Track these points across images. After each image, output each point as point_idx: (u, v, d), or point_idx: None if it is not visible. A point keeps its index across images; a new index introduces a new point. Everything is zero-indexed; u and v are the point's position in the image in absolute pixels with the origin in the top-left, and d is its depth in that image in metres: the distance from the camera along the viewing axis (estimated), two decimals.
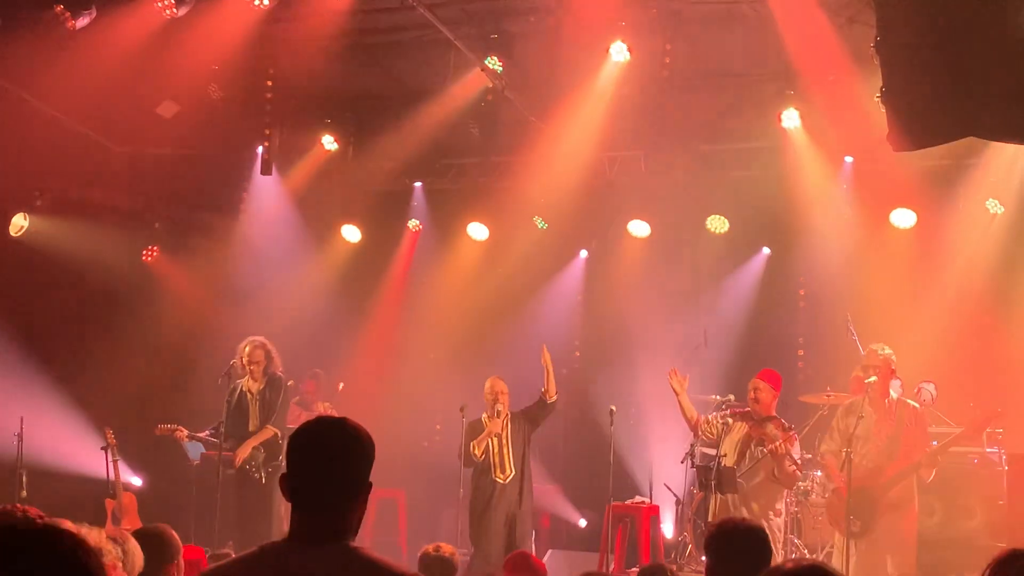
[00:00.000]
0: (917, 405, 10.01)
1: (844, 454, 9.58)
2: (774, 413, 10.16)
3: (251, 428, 11.19)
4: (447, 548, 6.57)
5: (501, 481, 10.92)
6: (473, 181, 14.34)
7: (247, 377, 11.33)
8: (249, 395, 11.27)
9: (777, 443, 9.72)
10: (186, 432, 11.39)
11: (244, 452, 11.04)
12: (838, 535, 9.90)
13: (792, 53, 11.47)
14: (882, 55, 6.83)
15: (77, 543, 2.30)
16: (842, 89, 11.47)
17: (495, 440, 10.97)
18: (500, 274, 14.33)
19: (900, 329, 11.57)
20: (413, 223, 14.88)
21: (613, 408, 10.90)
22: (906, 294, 12.48)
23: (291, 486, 3.31)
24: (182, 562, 5.66)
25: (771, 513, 10.02)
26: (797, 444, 10.14)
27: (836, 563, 9.47)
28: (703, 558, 4.98)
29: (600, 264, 14.50)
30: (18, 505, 5.01)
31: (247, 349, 11.29)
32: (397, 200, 14.80)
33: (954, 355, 11.96)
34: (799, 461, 10.05)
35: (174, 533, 5.69)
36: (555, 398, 11.05)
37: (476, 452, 10.95)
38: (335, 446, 3.32)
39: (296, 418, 12.03)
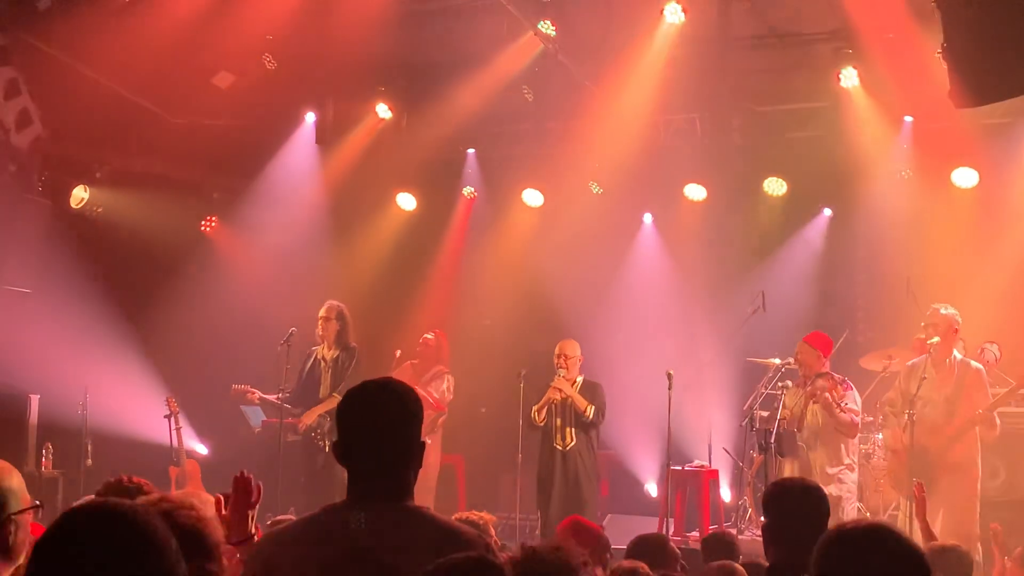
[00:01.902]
0: (980, 366, 9.85)
1: (906, 416, 9.52)
2: (824, 370, 10.13)
3: (321, 395, 11.30)
4: (477, 516, 6.51)
5: (560, 448, 10.93)
6: (527, 147, 14.29)
7: (323, 345, 11.43)
8: (323, 363, 11.40)
9: (822, 392, 9.73)
10: (258, 394, 11.51)
11: (309, 419, 11.15)
12: (903, 497, 9.85)
13: (850, 10, 11.30)
14: (943, 10, 6.72)
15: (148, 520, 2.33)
16: (901, 46, 11.29)
17: (556, 406, 10.97)
18: (556, 240, 14.30)
19: (963, 290, 11.42)
20: (468, 190, 14.88)
21: (671, 372, 10.86)
22: (968, 254, 12.30)
23: (344, 451, 3.37)
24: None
25: (844, 468, 10.00)
26: (855, 394, 10.09)
27: (901, 525, 9.42)
28: (763, 519, 4.95)
29: (657, 228, 14.43)
30: (126, 476, 5.07)
31: (323, 310, 11.40)
32: (452, 167, 14.80)
33: (1018, 315, 11.79)
34: (856, 409, 10.00)
35: None
36: (592, 416, 10.89)
37: (536, 417, 10.97)
38: (384, 409, 3.38)
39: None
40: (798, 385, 10.32)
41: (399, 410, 3.38)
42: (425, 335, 13.07)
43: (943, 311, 9.74)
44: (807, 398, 10.04)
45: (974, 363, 9.84)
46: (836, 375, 10.22)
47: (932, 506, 9.48)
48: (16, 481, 3.63)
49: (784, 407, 10.07)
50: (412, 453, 3.38)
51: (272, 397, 11.42)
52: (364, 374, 10.90)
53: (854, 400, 10.08)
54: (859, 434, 10.47)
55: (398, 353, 12.92)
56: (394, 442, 3.36)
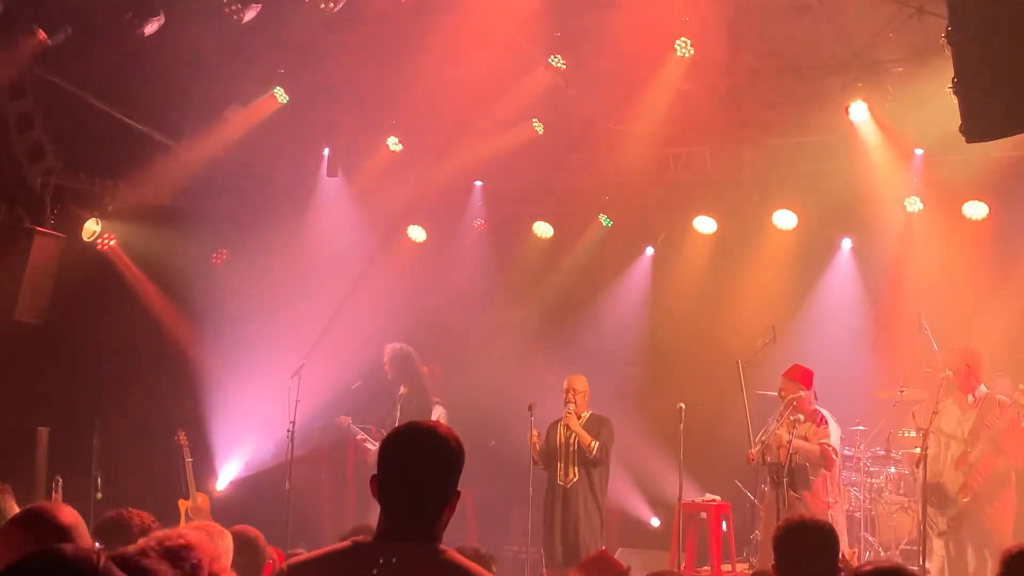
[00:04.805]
0: (1005, 399, 9.69)
1: (921, 451, 9.46)
2: (806, 406, 10.22)
3: None
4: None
5: (562, 484, 10.92)
6: (538, 179, 14.32)
7: None
8: (399, 399, 11.58)
9: (785, 444, 9.85)
10: (362, 434, 11.86)
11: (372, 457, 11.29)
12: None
13: (860, 44, 11.32)
14: (954, 45, 6.73)
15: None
16: (911, 80, 11.31)
17: (560, 443, 10.95)
18: (566, 272, 14.31)
19: (974, 322, 11.40)
20: (478, 222, 14.90)
21: (682, 405, 10.83)
22: (980, 287, 12.27)
23: (382, 487, 3.40)
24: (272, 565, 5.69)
25: (820, 502, 9.99)
26: (829, 428, 10.21)
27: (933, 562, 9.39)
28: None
29: (667, 261, 14.41)
30: (131, 509, 5.05)
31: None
32: (462, 200, 14.83)
33: None
34: (828, 443, 10.07)
35: (261, 535, 5.73)
36: (595, 453, 10.88)
37: (534, 444, 10.98)
38: (427, 452, 3.40)
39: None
40: (776, 419, 10.36)
41: (441, 455, 3.41)
42: (434, 366, 13.13)
43: (957, 347, 9.67)
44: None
45: (1002, 397, 9.70)
46: (820, 410, 10.25)
47: (961, 537, 9.41)
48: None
49: (762, 442, 10.27)
50: (447, 499, 3.41)
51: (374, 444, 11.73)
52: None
53: (827, 434, 10.12)
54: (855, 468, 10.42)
55: (357, 384, 12.89)
56: (431, 486, 3.39)
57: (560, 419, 11.06)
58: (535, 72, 12.34)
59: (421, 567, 3.32)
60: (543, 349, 13.88)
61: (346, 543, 3.44)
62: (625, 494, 13.32)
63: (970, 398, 9.67)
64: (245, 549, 5.40)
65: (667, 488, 12.25)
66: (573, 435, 10.90)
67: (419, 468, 3.37)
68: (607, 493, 11.25)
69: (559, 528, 10.88)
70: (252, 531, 5.70)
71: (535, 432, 10.99)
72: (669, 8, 11.14)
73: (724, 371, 11.94)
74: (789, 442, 9.81)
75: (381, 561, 3.31)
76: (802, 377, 10.35)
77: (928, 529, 9.76)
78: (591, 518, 10.92)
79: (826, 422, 10.23)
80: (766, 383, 11.80)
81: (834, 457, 10.17)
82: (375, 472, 3.42)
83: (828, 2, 10.71)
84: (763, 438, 10.25)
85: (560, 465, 10.96)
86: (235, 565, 5.14)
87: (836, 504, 10.28)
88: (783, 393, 10.32)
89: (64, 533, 3.74)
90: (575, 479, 10.91)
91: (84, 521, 3.91)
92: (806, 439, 10.01)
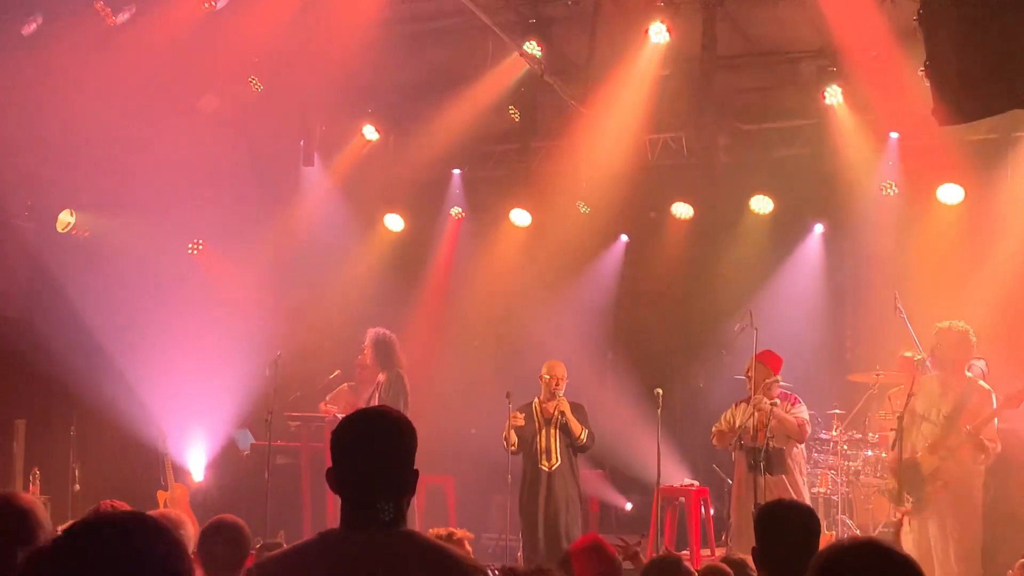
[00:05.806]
0: (988, 387, 9.69)
1: (894, 432, 9.49)
2: (776, 391, 10.34)
3: None
4: (445, 531, 6.48)
5: (546, 469, 10.88)
6: (514, 167, 14.32)
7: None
8: (378, 387, 11.49)
9: (766, 405, 9.94)
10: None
11: None
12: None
13: (834, 29, 11.36)
14: (925, 28, 6.72)
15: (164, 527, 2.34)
16: (885, 64, 11.35)
17: (541, 427, 10.92)
18: (543, 260, 14.31)
19: (949, 306, 11.42)
20: (455, 210, 14.89)
21: (659, 391, 10.83)
22: (955, 270, 12.32)
23: (339, 478, 3.34)
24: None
25: (792, 475, 10.12)
26: (803, 407, 10.34)
27: (905, 542, 9.41)
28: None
29: (642, 247, 14.43)
30: (116, 501, 5.05)
31: (365, 338, 11.58)
32: (439, 188, 14.83)
33: (1005, 330, 11.80)
34: (805, 418, 10.27)
35: (245, 524, 5.71)
36: (585, 440, 10.91)
37: (506, 444, 10.90)
38: (380, 435, 3.36)
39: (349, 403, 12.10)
40: (746, 402, 10.38)
41: (394, 437, 3.37)
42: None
43: (945, 328, 9.66)
44: (760, 414, 10.05)
45: (983, 384, 9.70)
46: (785, 389, 10.34)
47: (924, 517, 9.46)
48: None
49: (724, 421, 10.47)
50: (406, 481, 3.37)
51: None
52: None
53: (801, 411, 10.26)
54: (841, 454, 10.47)
55: (336, 373, 12.82)
56: (389, 469, 3.34)
57: (529, 403, 11.02)
58: (511, 59, 12.33)
59: (391, 551, 3.28)
60: (521, 336, 13.89)
61: (313, 537, 3.39)
62: (600, 480, 13.35)
63: (952, 381, 9.64)
64: (229, 537, 5.39)
65: (643, 473, 12.28)
66: (555, 419, 10.87)
67: (376, 452, 3.32)
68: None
69: (541, 514, 10.82)
70: (236, 519, 5.70)
71: (519, 414, 10.90)
72: None
73: (701, 356, 12.01)
74: (771, 409, 9.85)
75: (349, 550, 3.27)
76: (774, 363, 10.38)
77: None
78: (572, 504, 10.91)
79: (799, 401, 10.32)
80: (743, 368, 11.85)
81: (808, 430, 10.35)
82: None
83: None
84: (739, 421, 10.28)
85: (542, 450, 10.92)
86: (219, 554, 5.15)
87: (805, 484, 10.44)
88: (752, 373, 10.29)
89: (24, 516, 3.72)
90: (558, 464, 10.89)
91: (58, 510, 3.91)
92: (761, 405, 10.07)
